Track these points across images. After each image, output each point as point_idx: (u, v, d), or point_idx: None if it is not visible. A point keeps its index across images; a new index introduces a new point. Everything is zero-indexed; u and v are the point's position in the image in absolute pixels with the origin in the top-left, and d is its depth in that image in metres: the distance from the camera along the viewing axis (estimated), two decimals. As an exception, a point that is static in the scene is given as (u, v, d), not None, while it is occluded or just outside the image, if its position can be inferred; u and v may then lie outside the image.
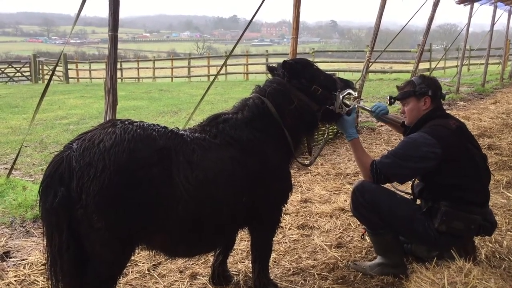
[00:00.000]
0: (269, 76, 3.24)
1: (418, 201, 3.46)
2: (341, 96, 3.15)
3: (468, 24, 13.93)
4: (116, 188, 2.23)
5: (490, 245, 3.68)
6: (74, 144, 2.32)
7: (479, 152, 3.35)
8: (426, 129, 3.23)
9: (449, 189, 3.20)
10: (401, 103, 3.49)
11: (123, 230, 2.33)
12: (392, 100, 3.53)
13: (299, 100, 3.00)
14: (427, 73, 19.44)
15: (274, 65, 3.20)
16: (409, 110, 3.40)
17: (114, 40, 3.86)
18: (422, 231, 3.22)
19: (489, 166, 5.87)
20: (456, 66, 22.21)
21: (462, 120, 9.09)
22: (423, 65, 21.84)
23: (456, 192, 3.19)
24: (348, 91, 3.20)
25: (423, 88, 3.33)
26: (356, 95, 3.26)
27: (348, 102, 3.22)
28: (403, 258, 3.40)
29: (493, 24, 15.47)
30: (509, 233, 3.97)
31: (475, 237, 3.46)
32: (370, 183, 3.28)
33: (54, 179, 2.26)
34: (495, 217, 3.42)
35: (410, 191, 3.53)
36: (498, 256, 3.50)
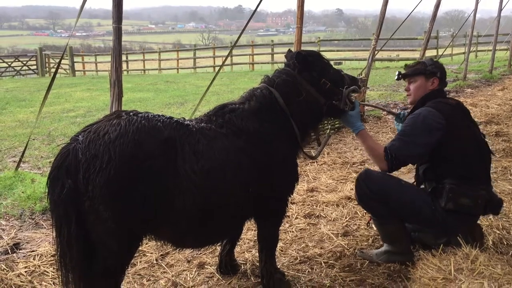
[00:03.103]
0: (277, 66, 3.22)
1: (422, 186, 3.46)
2: (347, 93, 3.15)
3: (475, 10, 13.78)
4: (121, 179, 2.25)
5: (498, 231, 3.68)
6: (80, 136, 2.34)
7: (479, 131, 3.38)
8: (428, 104, 3.28)
9: (453, 167, 3.22)
10: (408, 80, 3.50)
11: (129, 221, 2.34)
12: (401, 76, 3.53)
13: (307, 93, 2.98)
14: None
15: (292, 51, 3.17)
16: (415, 88, 3.43)
17: (118, 32, 3.86)
18: (429, 215, 3.23)
19: (497, 153, 5.89)
20: (464, 53, 21.95)
21: (469, 107, 9.11)
22: (430, 52, 21.66)
23: (459, 170, 3.21)
24: (354, 88, 3.19)
25: (434, 69, 3.39)
26: (361, 92, 3.27)
27: (353, 99, 3.23)
28: (409, 246, 3.40)
29: (500, 9, 15.30)
30: (516, 219, 3.96)
31: (483, 222, 3.45)
32: (373, 172, 3.31)
33: (61, 171, 2.28)
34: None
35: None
36: (505, 243, 3.51)
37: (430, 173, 3.35)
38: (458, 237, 3.12)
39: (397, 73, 3.59)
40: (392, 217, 3.30)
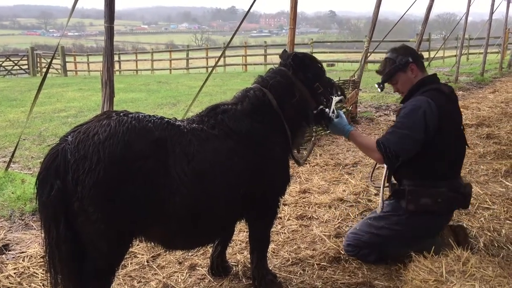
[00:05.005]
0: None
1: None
2: (336, 101, 3.15)
3: (467, 13, 13.87)
4: (111, 180, 2.22)
5: (489, 233, 3.69)
6: (69, 136, 2.32)
7: (461, 122, 3.38)
8: (426, 93, 3.18)
9: (411, 166, 3.19)
10: (391, 84, 3.41)
11: (119, 223, 2.32)
12: (382, 85, 3.43)
13: (301, 94, 2.98)
14: (426, 63, 19.40)
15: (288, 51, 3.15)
16: (401, 85, 3.35)
17: (110, 32, 3.84)
18: (400, 227, 3.29)
19: (488, 156, 5.93)
20: (455, 56, 22.09)
21: (461, 109, 9.15)
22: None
23: (417, 169, 3.19)
24: (342, 98, 3.20)
25: (403, 58, 3.28)
26: (345, 103, 3.28)
27: (336, 109, 3.22)
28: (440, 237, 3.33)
29: (492, 12, 15.41)
30: (507, 221, 3.98)
31: (474, 224, 3.44)
32: (347, 247, 3.48)
33: (50, 172, 2.25)
34: (471, 190, 3.33)
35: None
36: (496, 245, 3.52)
37: (394, 175, 3.37)
38: (449, 239, 3.12)
39: (376, 85, 3.48)
40: (378, 250, 3.38)
